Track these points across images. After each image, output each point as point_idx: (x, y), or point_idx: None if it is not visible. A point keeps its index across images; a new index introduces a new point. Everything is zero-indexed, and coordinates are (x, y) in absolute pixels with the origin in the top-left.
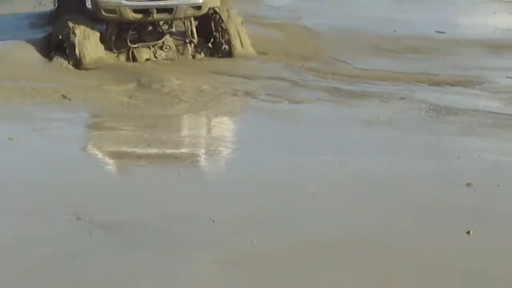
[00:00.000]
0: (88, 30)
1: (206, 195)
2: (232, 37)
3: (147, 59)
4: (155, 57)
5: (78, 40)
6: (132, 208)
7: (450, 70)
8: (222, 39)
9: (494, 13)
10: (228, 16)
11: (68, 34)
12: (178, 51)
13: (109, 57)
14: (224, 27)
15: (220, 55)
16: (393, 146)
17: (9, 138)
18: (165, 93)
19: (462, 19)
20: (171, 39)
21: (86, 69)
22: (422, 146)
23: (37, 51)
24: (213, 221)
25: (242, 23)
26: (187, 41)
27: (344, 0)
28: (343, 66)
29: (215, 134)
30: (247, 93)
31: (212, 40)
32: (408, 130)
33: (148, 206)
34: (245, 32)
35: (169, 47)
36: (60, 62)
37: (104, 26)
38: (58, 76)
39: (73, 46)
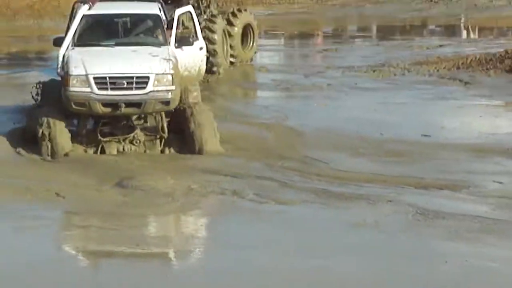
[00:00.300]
0: (61, 124)
1: None
2: (203, 134)
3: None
4: (123, 150)
5: (52, 132)
6: None
7: (437, 174)
8: (193, 135)
9: (480, 116)
10: (199, 111)
11: (43, 127)
12: (146, 146)
13: (79, 150)
14: (194, 124)
15: (189, 151)
16: (379, 250)
17: None
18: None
19: (448, 122)
20: (142, 133)
21: (58, 161)
22: (409, 250)
23: (9, 144)
24: None
25: (213, 119)
26: (157, 136)
27: (331, 100)
28: (324, 167)
29: (201, 234)
30: (234, 193)
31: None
32: (395, 233)
33: None
34: (215, 129)
35: (139, 141)
36: (30, 156)
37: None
38: (39, 172)
39: (47, 138)
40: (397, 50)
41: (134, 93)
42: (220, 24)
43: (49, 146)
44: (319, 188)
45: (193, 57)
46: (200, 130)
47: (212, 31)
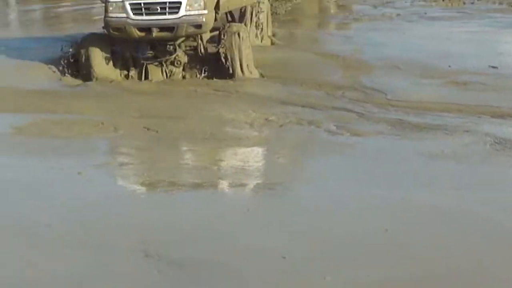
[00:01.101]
0: (102, 50)
1: (276, 230)
2: (236, 60)
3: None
4: (167, 76)
5: (92, 57)
6: (200, 244)
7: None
8: (228, 59)
9: None
10: (239, 36)
11: (82, 52)
12: (186, 68)
13: (118, 74)
14: (228, 47)
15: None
16: (459, 181)
17: (79, 173)
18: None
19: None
20: (183, 55)
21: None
22: (489, 180)
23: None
24: (284, 258)
25: (249, 47)
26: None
27: (399, 30)
28: (393, 96)
29: (281, 166)
30: (311, 123)
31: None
32: (474, 163)
33: (216, 241)
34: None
35: (180, 63)
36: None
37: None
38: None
39: (86, 63)
40: None
41: (167, 18)
42: None
43: (88, 71)
44: (394, 119)
45: None
46: (232, 54)
47: None
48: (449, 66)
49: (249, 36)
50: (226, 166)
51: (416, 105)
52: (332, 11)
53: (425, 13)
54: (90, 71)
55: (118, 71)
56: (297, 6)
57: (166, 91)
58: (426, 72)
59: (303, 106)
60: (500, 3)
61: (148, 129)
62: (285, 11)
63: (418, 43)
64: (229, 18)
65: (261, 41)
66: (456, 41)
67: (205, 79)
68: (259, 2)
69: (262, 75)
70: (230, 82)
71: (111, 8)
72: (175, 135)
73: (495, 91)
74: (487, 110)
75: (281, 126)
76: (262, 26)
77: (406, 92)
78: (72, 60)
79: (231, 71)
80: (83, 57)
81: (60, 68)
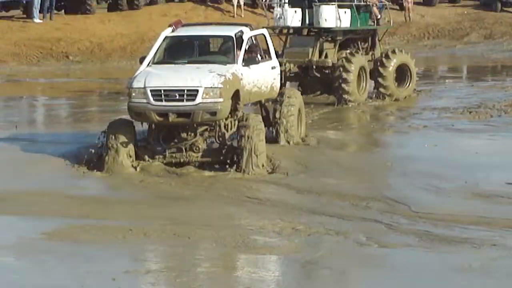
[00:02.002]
0: (124, 138)
1: None
2: (244, 153)
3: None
4: (188, 163)
5: (116, 147)
6: None
7: None
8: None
9: None
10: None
11: (107, 142)
12: (205, 154)
13: (140, 164)
14: (243, 138)
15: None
16: None
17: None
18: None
19: None
20: (202, 141)
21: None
22: None
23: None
24: None
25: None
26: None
27: (442, 140)
28: (420, 209)
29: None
30: (339, 233)
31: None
32: (502, 278)
33: None
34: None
35: (199, 149)
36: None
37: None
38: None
39: (109, 154)
40: (491, 91)
41: (185, 104)
42: (358, 62)
43: (111, 161)
44: (422, 231)
45: (263, 75)
46: (246, 147)
47: (347, 70)
48: (465, 182)
49: (262, 129)
50: (260, 277)
51: (444, 217)
52: (362, 120)
53: (452, 125)
54: (113, 159)
55: (140, 159)
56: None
57: (193, 195)
58: (449, 184)
59: (330, 216)
60: None
61: (178, 235)
62: (312, 120)
63: (444, 155)
64: (263, 113)
65: (287, 138)
66: (481, 154)
67: (213, 177)
68: (288, 97)
69: (272, 171)
70: (237, 179)
71: (133, 94)
72: (206, 243)
73: None
74: None
75: (309, 235)
76: (285, 121)
77: (432, 204)
78: (96, 151)
79: (241, 163)
80: (108, 143)
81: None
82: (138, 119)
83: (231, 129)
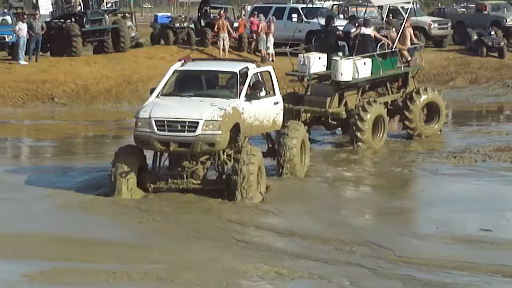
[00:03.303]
0: (129, 164)
1: None
2: (238, 183)
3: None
4: (187, 188)
5: (120, 173)
6: None
7: None
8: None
9: None
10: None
11: (113, 167)
12: (205, 182)
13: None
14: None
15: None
16: None
17: None
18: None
19: None
20: (202, 169)
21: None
22: None
23: None
24: None
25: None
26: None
27: (410, 187)
28: (401, 253)
29: None
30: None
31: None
32: None
33: None
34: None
35: (199, 176)
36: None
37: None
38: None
39: (113, 180)
40: (476, 136)
41: (186, 135)
42: (374, 111)
43: (118, 188)
44: (406, 275)
45: (265, 109)
46: (236, 179)
47: (362, 119)
48: (437, 228)
49: (254, 162)
50: None
51: (427, 262)
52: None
53: (437, 170)
54: (116, 186)
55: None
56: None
57: (180, 236)
58: (431, 230)
59: (314, 260)
60: None
61: (162, 278)
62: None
63: (427, 200)
64: (269, 144)
65: (287, 170)
66: (463, 200)
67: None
68: (291, 129)
69: (263, 200)
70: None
71: (139, 124)
72: (190, 286)
73: (507, 250)
74: (499, 269)
75: (292, 279)
76: (288, 153)
77: (415, 249)
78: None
79: (235, 193)
80: (114, 168)
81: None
82: (143, 147)
83: (231, 159)
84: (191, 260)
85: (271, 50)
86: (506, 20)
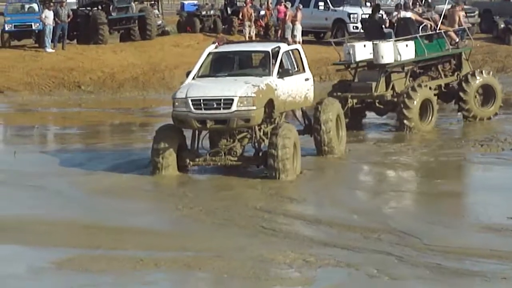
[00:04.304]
0: (169, 143)
1: None
2: (276, 160)
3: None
4: (225, 165)
5: (160, 150)
6: None
7: None
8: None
9: None
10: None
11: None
12: (243, 159)
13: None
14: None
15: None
16: None
17: None
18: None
19: None
20: (239, 146)
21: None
22: None
23: None
24: None
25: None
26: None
27: (433, 175)
28: (432, 241)
29: None
30: (349, 265)
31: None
32: None
33: None
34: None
35: (236, 153)
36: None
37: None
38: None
39: (153, 157)
40: (503, 124)
41: (221, 112)
42: (423, 93)
43: (157, 164)
44: (433, 263)
45: (297, 86)
46: (273, 152)
47: (408, 107)
48: (463, 216)
49: (290, 137)
50: None
51: (455, 250)
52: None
53: (464, 158)
54: (157, 164)
55: (183, 162)
56: None
57: (208, 224)
58: (459, 218)
59: (341, 248)
60: None
61: (189, 266)
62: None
63: (455, 188)
64: (306, 121)
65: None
66: (490, 188)
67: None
68: (326, 104)
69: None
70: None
71: (176, 104)
72: (217, 273)
73: None
74: None
75: (319, 267)
76: (323, 128)
77: (443, 237)
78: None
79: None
80: (154, 147)
81: None
82: (181, 125)
83: (268, 137)
84: (219, 248)
85: (299, 38)
86: None
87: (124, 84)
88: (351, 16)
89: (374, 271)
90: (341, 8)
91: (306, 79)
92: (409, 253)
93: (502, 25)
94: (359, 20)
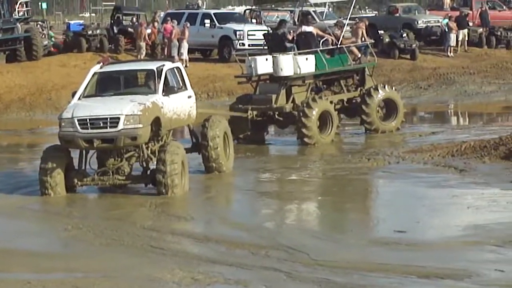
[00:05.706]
0: (55, 163)
1: None
2: (161, 176)
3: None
4: (113, 184)
5: (47, 170)
6: None
7: (436, 263)
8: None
9: (467, 208)
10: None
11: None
12: (131, 178)
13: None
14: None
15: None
16: None
17: None
18: None
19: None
20: (127, 166)
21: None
22: None
23: None
24: None
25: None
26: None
27: (320, 192)
28: (318, 256)
29: None
30: (238, 282)
31: None
32: None
33: None
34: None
35: (124, 172)
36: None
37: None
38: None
39: (41, 178)
40: (388, 137)
41: (108, 131)
42: (320, 106)
43: (45, 184)
44: (321, 278)
45: (181, 103)
46: (161, 169)
47: (307, 116)
48: (351, 230)
49: (179, 154)
50: None
51: (343, 265)
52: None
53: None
54: (44, 184)
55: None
56: None
57: (96, 245)
58: (346, 232)
59: (229, 265)
60: (425, 163)
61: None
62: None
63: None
64: (193, 139)
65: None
66: (377, 202)
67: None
68: (213, 121)
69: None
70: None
71: (63, 124)
72: None
73: (421, 251)
74: (413, 270)
75: (208, 285)
76: (210, 144)
77: (330, 252)
78: None
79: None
80: (41, 169)
81: None
82: (68, 146)
83: (155, 155)
84: (107, 268)
85: (185, 56)
86: (417, 22)
87: (11, 105)
88: (237, 33)
89: (263, 287)
90: (227, 25)
91: (189, 97)
92: (298, 268)
93: (387, 39)
94: (245, 37)
